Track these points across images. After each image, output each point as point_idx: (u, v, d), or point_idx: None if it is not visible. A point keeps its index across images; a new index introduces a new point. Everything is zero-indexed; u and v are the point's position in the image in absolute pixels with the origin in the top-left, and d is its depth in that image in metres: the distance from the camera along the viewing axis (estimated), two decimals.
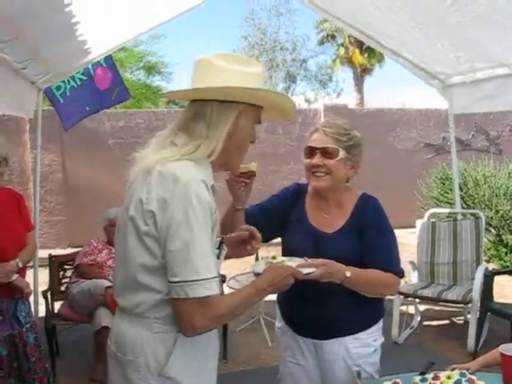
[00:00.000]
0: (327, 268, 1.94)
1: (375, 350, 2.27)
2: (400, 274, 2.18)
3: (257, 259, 5.53)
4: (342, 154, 2.16)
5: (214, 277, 1.51)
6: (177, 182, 1.49)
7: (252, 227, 1.93)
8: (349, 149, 2.18)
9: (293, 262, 1.90)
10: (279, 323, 2.43)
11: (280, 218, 2.31)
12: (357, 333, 2.22)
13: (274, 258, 1.96)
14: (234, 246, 1.92)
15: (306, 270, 1.84)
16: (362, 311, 2.22)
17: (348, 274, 2.00)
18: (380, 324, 2.31)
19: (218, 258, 1.62)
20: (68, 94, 5.15)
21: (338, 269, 1.99)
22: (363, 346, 2.22)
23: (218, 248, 1.62)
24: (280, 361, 2.46)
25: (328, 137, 2.17)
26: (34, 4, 2.73)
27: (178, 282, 1.48)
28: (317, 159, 2.18)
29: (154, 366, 1.58)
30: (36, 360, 3.23)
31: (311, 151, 2.21)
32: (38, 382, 3.20)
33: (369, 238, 2.17)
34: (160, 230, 1.51)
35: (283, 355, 2.40)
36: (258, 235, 1.92)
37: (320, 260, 1.95)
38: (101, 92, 5.67)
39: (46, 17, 3.02)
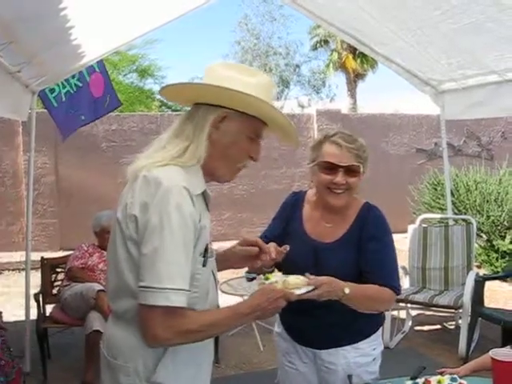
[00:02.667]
0: (327, 286, 1.86)
1: (374, 359, 2.25)
2: (397, 290, 2.13)
3: None
4: (362, 170, 2.14)
5: (179, 289, 1.46)
6: (158, 187, 1.48)
7: (259, 241, 1.89)
8: (364, 162, 2.15)
9: (287, 281, 1.80)
10: (278, 328, 2.39)
11: (282, 236, 2.26)
12: (356, 342, 2.21)
13: (266, 278, 1.83)
14: (240, 260, 1.90)
15: (299, 291, 1.76)
16: (362, 321, 2.19)
17: (347, 290, 1.94)
18: (379, 333, 2.30)
19: (204, 265, 1.58)
20: (63, 98, 5.11)
21: (336, 286, 1.92)
22: (362, 356, 2.21)
23: (204, 256, 1.58)
24: (278, 365, 2.44)
25: (350, 152, 2.12)
26: (29, 8, 2.74)
27: (143, 286, 1.46)
28: (341, 177, 2.12)
29: (144, 371, 1.57)
30: (6, 363, 3.20)
31: (332, 168, 2.13)
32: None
33: (370, 250, 2.12)
34: (139, 234, 1.51)
35: (281, 360, 2.38)
36: (268, 249, 1.88)
37: (320, 278, 1.87)
38: (95, 100, 5.62)
39: (42, 21, 3.02)
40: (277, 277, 1.86)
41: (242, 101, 1.60)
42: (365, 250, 2.13)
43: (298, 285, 1.78)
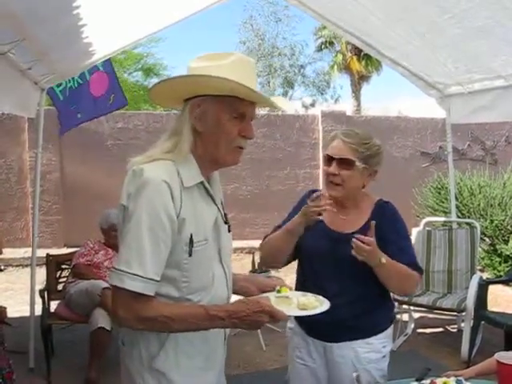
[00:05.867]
0: (372, 247, 2.02)
1: (384, 357, 2.30)
2: (421, 272, 2.27)
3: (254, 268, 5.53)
4: (358, 165, 2.21)
5: (134, 273, 1.51)
6: (140, 179, 1.56)
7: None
8: (366, 159, 2.23)
9: (298, 298, 1.79)
10: (291, 324, 2.44)
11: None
12: (368, 337, 2.26)
13: (278, 291, 1.81)
14: (257, 289, 1.89)
15: (301, 312, 1.76)
16: (374, 316, 2.27)
17: (383, 260, 2.07)
18: (389, 331, 2.36)
19: (190, 255, 1.61)
20: (67, 93, 5.14)
21: (377, 252, 2.06)
22: (373, 351, 2.26)
23: (190, 246, 1.61)
24: (289, 361, 2.48)
25: (346, 146, 2.22)
26: (43, 6, 2.76)
27: (112, 267, 1.57)
28: (333, 168, 2.24)
29: (146, 358, 1.63)
30: (0, 357, 3.22)
31: (328, 159, 2.27)
32: (5, 378, 3.20)
33: (392, 241, 2.20)
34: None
35: (292, 355, 2.43)
36: None
37: (367, 238, 2.03)
38: (95, 99, 5.61)
39: (55, 19, 3.05)
40: (292, 293, 1.83)
41: (206, 84, 1.61)
42: (386, 241, 2.18)
43: (306, 306, 1.77)
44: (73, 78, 5.16)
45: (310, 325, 2.31)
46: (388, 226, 2.24)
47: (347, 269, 2.20)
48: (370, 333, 2.27)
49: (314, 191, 2.48)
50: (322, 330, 2.28)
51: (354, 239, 2.04)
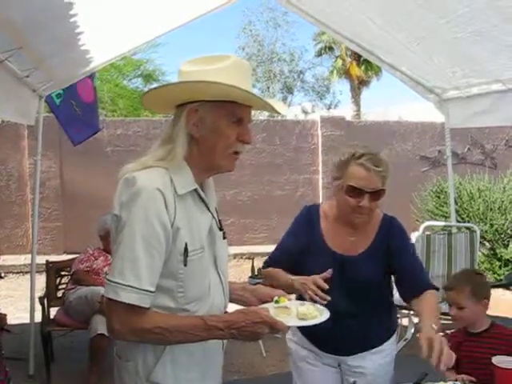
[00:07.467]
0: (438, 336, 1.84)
1: (392, 357, 2.34)
2: (438, 289, 2.26)
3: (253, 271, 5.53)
4: (385, 189, 2.14)
5: (128, 285, 1.48)
6: (132, 187, 1.52)
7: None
8: (386, 180, 2.15)
9: (297, 308, 1.77)
10: (294, 336, 2.38)
11: (301, 252, 2.26)
12: (381, 345, 2.27)
13: (277, 302, 1.77)
14: (257, 299, 1.86)
15: (302, 322, 1.75)
16: (384, 325, 2.30)
17: (434, 326, 1.93)
18: (395, 334, 2.38)
19: (185, 264, 1.57)
20: (72, 103, 5.13)
21: (432, 329, 1.91)
22: (386, 356, 2.29)
23: (185, 255, 1.57)
24: (295, 370, 2.43)
25: (378, 176, 2.10)
26: (40, 14, 2.77)
27: (106, 278, 1.54)
28: (366, 202, 2.11)
29: (143, 370, 1.60)
30: None
31: (359, 192, 2.11)
32: None
33: (405, 261, 2.19)
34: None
35: (299, 365, 2.37)
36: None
37: (432, 336, 1.84)
38: (89, 104, 5.56)
39: (52, 26, 3.06)
40: (291, 303, 1.80)
41: (204, 90, 1.57)
42: (399, 260, 2.16)
43: (306, 316, 1.76)
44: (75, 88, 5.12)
45: (321, 340, 2.27)
46: (398, 244, 2.22)
47: (355, 289, 2.18)
48: (382, 341, 2.29)
49: (310, 207, 2.39)
50: (335, 346, 2.25)
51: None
